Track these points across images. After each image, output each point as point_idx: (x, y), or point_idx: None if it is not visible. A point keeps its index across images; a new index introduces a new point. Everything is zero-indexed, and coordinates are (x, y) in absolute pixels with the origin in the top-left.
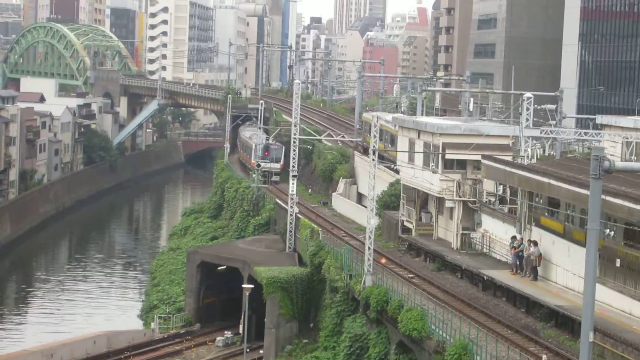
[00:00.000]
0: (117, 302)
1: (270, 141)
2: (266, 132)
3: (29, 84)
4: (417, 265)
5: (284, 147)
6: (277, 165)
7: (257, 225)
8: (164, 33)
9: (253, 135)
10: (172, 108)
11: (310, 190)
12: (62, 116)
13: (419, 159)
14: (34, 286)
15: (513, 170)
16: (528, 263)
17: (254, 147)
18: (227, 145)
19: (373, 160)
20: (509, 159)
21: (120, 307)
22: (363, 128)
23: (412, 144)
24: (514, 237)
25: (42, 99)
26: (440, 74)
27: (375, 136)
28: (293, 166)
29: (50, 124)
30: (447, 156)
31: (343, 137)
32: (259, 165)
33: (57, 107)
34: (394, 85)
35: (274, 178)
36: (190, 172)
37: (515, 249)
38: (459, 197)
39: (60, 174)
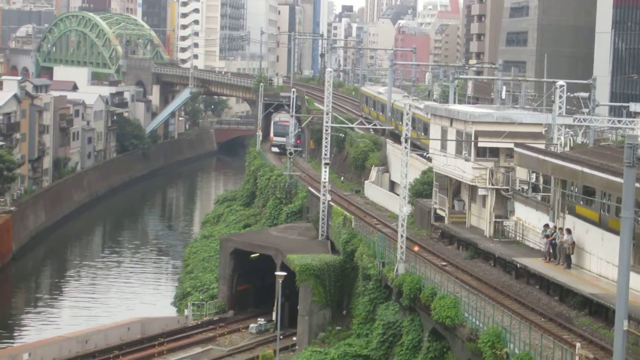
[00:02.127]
0: (151, 289)
1: (285, 118)
2: (298, 120)
3: (61, 72)
4: (449, 253)
5: (299, 125)
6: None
7: (289, 213)
8: (196, 22)
9: (281, 116)
10: (204, 96)
11: (342, 178)
12: (94, 104)
13: (451, 147)
14: (69, 273)
15: (546, 158)
16: (561, 251)
17: (272, 124)
18: (260, 133)
19: (406, 148)
20: (542, 146)
21: (153, 293)
22: (361, 100)
23: (444, 132)
24: (546, 225)
25: (75, 88)
26: (472, 62)
27: (407, 124)
28: (325, 154)
29: (83, 112)
30: (480, 144)
31: (375, 125)
32: (291, 154)
33: (89, 96)
34: (426, 74)
35: (291, 150)
36: (223, 160)
37: (548, 237)
38: (492, 185)
39: (93, 162)
